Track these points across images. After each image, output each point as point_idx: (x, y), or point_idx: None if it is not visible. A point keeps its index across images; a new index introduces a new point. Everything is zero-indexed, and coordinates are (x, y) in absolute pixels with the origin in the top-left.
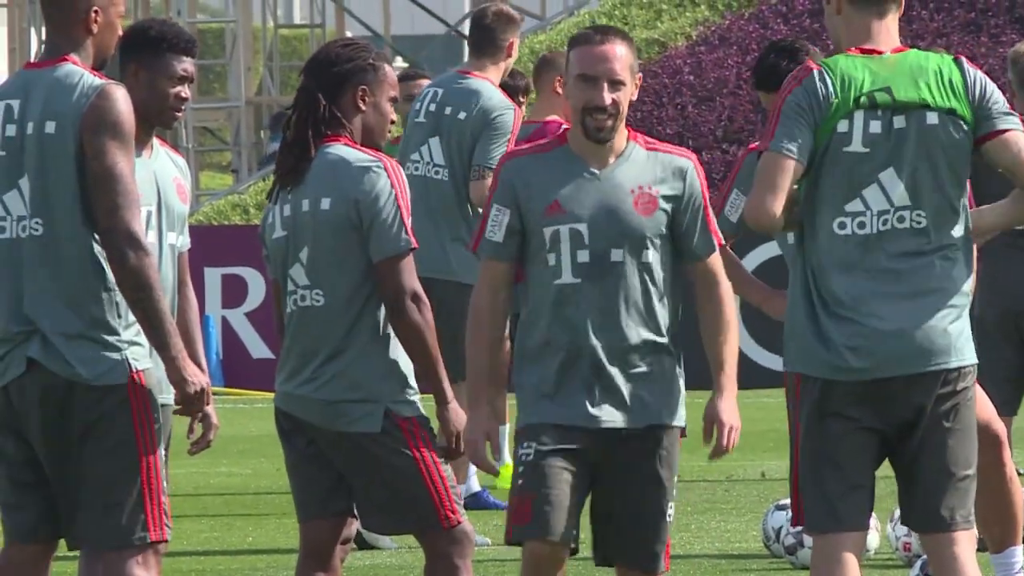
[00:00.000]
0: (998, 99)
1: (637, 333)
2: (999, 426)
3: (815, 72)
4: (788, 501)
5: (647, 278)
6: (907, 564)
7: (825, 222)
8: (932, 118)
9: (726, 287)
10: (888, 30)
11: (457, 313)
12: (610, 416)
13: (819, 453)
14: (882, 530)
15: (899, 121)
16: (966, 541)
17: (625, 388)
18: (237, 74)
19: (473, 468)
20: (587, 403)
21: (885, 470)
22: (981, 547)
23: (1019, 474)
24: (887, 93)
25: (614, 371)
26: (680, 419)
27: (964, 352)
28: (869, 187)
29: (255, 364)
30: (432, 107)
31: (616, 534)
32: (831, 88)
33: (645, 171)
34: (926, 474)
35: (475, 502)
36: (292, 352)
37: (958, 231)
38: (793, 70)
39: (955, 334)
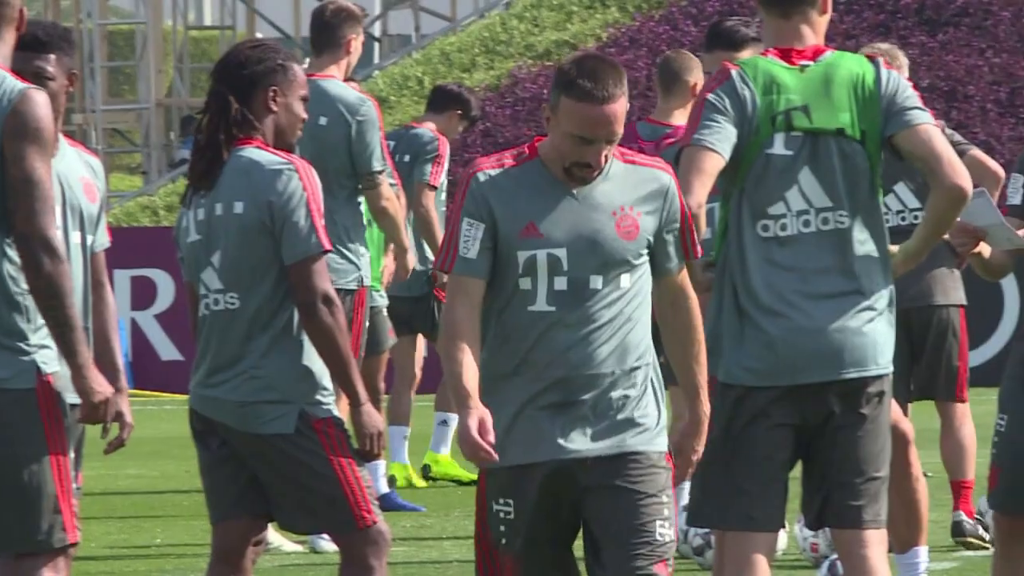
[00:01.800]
0: (910, 95)
1: (614, 361)
2: (906, 426)
3: (734, 73)
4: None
5: (626, 303)
6: (815, 565)
7: (748, 225)
8: (846, 144)
9: (695, 302)
10: (799, 31)
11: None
12: (584, 445)
13: (736, 452)
14: (790, 531)
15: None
16: (877, 541)
17: (602, 418)
18: (147, 76)
19: (381, 470)
20: (560, 434)
21: (795, 472)
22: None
23: (925, 475)
24: (805, 115)
25: (589, 401)
26: (663, 444)
27: (883, 357)
28: (790, 189)
29: (164, 366)
30: None
31: (607, 558)
32: (752, 90)
33: (625, 190)
34: (840, 473)
35: (384, 504)
36: (206, 354)
37: (878, 232)
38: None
39: (873, 336)
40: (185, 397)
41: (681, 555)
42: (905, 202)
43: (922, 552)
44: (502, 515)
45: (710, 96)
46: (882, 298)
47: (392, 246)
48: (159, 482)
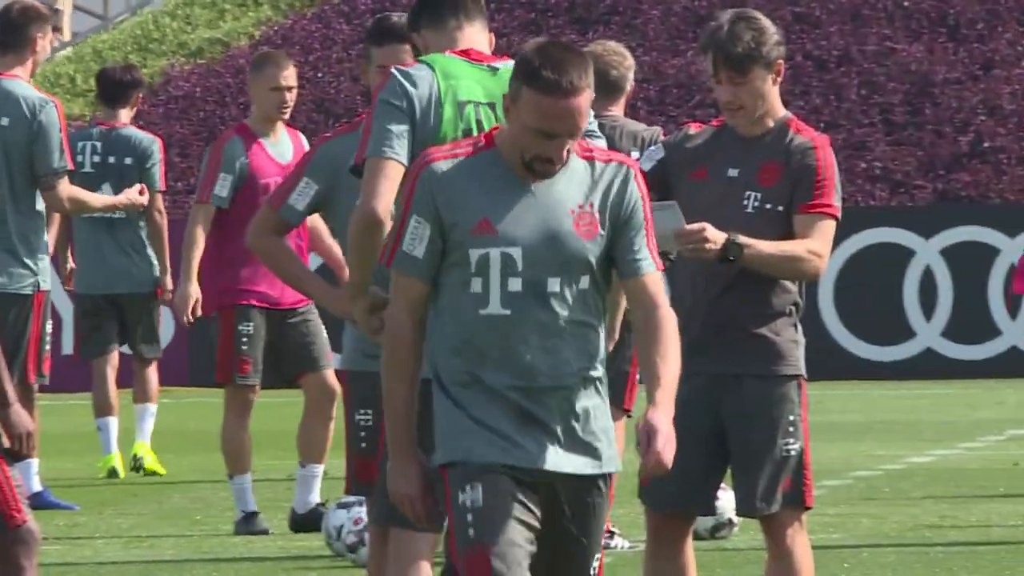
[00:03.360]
0: None
1: (571, 369)
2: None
3: (408, 69)
4: (349, 499)
5: (585, 307)
6: None
7: None
8: None
9: (666, 310)
10: (476, 38)
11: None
12: (558, 461)
13: None
14: None
15: None
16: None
17: (569, 432)
18: None
19: (34, 468)
20: (531, 444)
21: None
22: None
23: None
24: (492, 112)
25: (554, 412)
26: (617, 464)
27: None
28: None
29: None
30: None
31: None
32: (434, 80)
33: (584, 185)
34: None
35: (37, 502)
36: None
37: None
38: None
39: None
40: None
41: (335, 553)
42: None
43: (614, 541)
44: (468, 503)
45: (382, 96)
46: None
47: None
48: None
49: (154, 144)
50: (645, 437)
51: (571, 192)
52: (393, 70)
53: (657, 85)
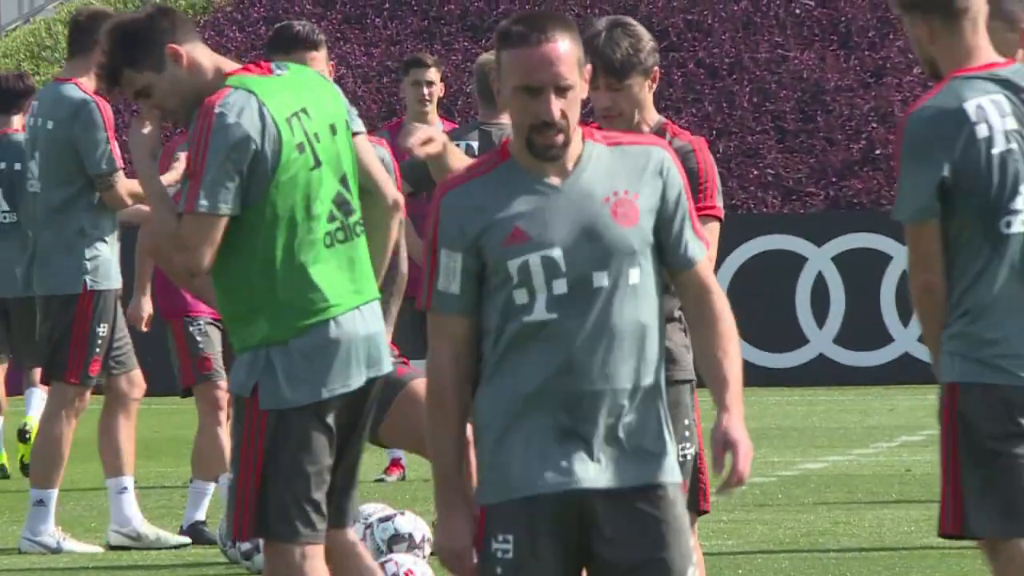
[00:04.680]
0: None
1: (626, 373)
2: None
3: (241, 93)
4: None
5: (637, 303)
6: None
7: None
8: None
9: (719, 296)
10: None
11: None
12: (599, 475)
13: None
14: None
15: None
16: None
17: (612, 442)
18: None
19: None
20: (571, 461)
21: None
22: None
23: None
24: (308, 115)
25: (598, 422)
26: (678, 474)
27: None
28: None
29: None
30: None
31: None
32: (260, 106)
33: (615, 172)
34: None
35: None
36: None
37: None
38: None
39: None
40: None
41: (231, 560)
42: None
43: None
44: (499, 554)
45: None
46: None
47: None
48: None
49: None
50: (721, 449)
51: (601, 181)
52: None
53: None
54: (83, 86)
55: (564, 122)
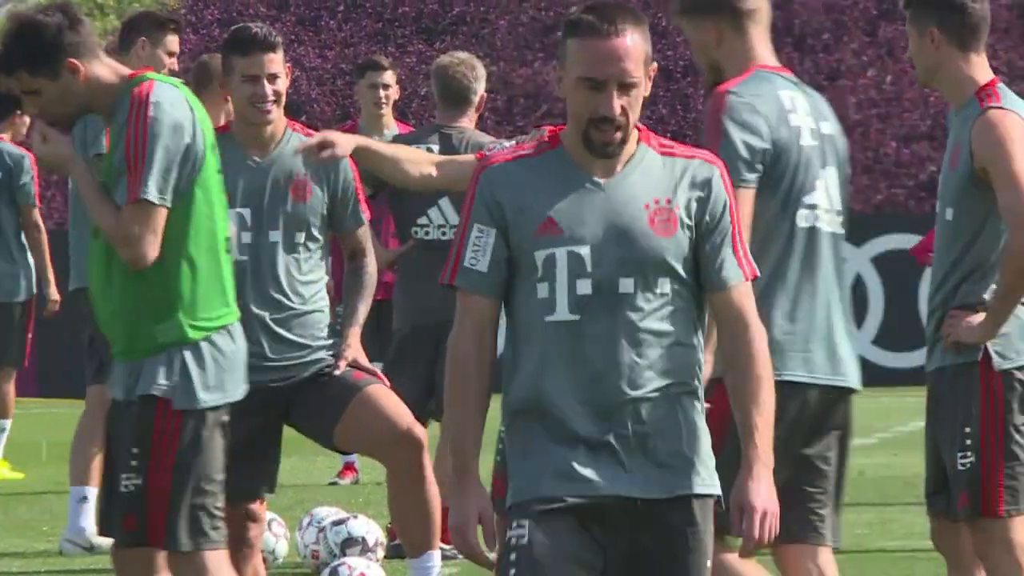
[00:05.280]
0: None
1: (653, 382)
2: (419, 430)
3: (168, 85)
4: None
5: (668, 316)
6: (315, 572)
7: None
8: None
9: (758, 328)
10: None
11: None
12: (621, 484)
13: None
14: (291, 538)
15: None
16: None
17: (638, 450)
18: None
19: None
20: (591, 469)
21: None
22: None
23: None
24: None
25: (624, 429)
26: (714, 486)
27: None
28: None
29: None
30: None
31: None
32: (190, 103)
33: (662, 181)
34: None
35: None
36: None
37: None
38: None
39: None
40: None
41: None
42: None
43: (435, 556)
44: (514, 540)
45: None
46: None
47: None
48: None
49: (25, 159)
50: (739, 515)
51: (646, 187)
52: None
53: (504, 95)
54: None
55: (624, 119)
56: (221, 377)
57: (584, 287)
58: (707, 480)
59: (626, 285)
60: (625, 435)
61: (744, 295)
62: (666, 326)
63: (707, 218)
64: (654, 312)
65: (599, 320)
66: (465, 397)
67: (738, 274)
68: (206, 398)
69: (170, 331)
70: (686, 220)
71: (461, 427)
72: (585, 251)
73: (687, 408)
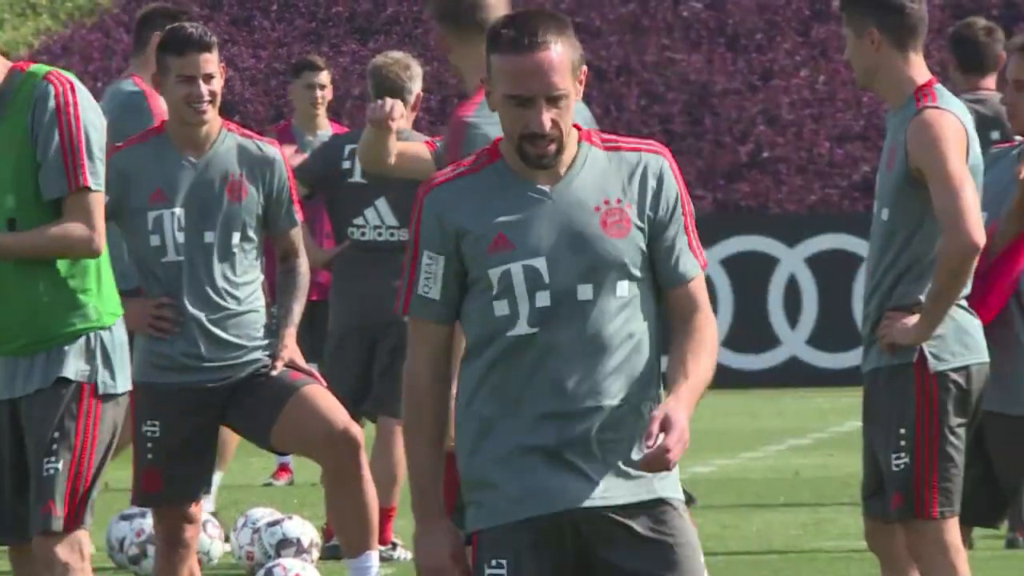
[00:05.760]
0: None
1: (617, 389)
2: (356, 430)
3: (70, 74)
4: (132, 511)
5: (626, 318)
6: (250, 573)
7: None
8: None
9: (707, 315)
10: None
11: None
12: (589, 494)
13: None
14: (230, 538)
15: None
16: None
17: (604, 459)
18: None
19: None
20: (558, 481)
21: None
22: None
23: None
24: None
25: (589, 439)
26: (678, 490)
27: None
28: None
29: None
30: None
31: None
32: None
33: (610, 179)
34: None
35: None
36: None
37: None
38: None
39: None
40: None
41: (117, 565)
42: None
43: (373, 556)
44: None
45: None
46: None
47: None
48: None
49: None
50: (657, 426)
51: (594, 188)
52: None
53: (439, 95)
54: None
55: (556, 132)
56: (126, 363)
57: (543, 299)
58: (676, 484)
59: (584, 292)
60: (592, 444)
61: (699, 288)
62: (626, 330)
63: (661, 211)
64: (614, 317)
65: (559, 330)
66: (422, 426)
67: (694, 266)
68: (123, 382)
69: (85, 316)
70: (638, 219)
71: (420, 457)
72: (540, 263)
73: (647, 415)
